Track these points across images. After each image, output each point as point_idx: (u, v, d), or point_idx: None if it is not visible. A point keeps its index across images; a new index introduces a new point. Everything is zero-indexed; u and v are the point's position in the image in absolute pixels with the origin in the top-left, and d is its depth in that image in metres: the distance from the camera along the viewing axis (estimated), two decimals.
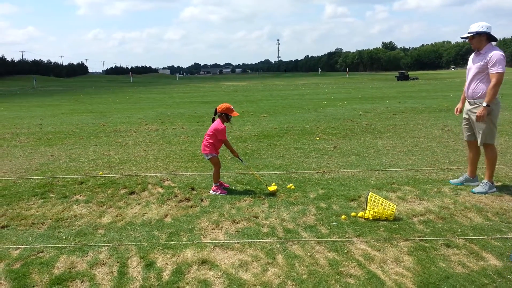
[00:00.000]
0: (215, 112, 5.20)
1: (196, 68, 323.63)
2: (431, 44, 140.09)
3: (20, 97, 34.51)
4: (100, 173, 6.30)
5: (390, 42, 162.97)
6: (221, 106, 5.15)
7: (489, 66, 4.57)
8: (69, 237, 3.92)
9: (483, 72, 4.65)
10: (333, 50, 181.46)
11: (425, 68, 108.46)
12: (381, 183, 5.37)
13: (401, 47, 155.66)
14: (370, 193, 4.20)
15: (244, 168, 6.24)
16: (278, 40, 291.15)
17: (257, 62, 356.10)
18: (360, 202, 4.61)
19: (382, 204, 4.05)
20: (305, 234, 3.82)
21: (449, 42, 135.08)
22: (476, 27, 4.66)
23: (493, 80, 4.52)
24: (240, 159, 5.41)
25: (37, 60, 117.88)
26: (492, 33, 4.64)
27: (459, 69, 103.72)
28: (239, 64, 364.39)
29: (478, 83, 4.72)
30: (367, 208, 4.09)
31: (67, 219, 4.40)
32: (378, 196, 4.12)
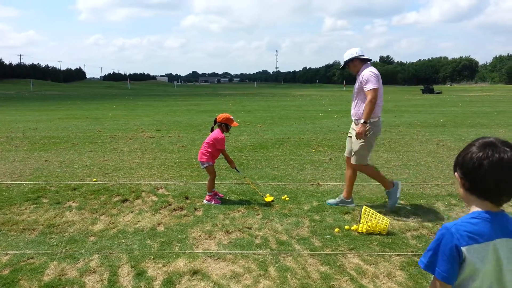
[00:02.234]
0: (215, 122, 5.22)
1: (194, 76, 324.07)
2: (428, 59, 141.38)
3: (17, 100, 34.41)
4: (94, 179, 6.27)
5: (388, 56, 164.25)
6: (221, 116, 5.17)
7: (363, 86, 4.66)
8: (60, 243, 3.88)
9: (361, 93, 4.74)
10: (331, 62, 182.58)
11: (421, 83, 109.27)
12: (375, 196, 5.38)
13: (398, 61, 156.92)
14: (364, 206, 4.20)
15: (239, 178, 6.23)
16: (276, 51, 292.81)
17: (255, 72, 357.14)
18: (354, 216, 4.61)
19: (375, 218, 4.05)
20: (298, 246, 3.81)
21: (445, 58, 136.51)
22: (347, 55, 4.84)
23: (368, 97, 4.58)
24: (236, 169, 5.43)
25: (35, 64, 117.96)
26: (363, 55, 4.78)
27: (455, 84, 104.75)
28: (237, 74, 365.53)
29: (359, 103, 4.79)
30: (361, 222, 4.09)
31: (59, 225, 4.36)
32: (372, 210, 4.13)
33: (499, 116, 17.35)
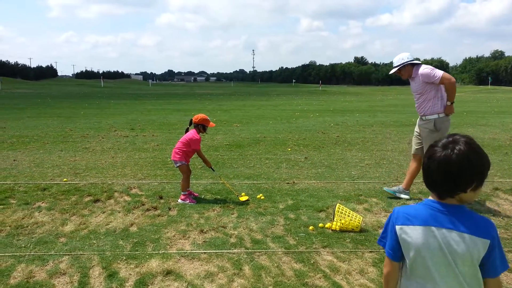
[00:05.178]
0: (190, 122, 5.17)
1: (170, 75, 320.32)
2: None
3: None
4: (65, 179, 6.11)
5: (362, 57, 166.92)
6: (198, 117, 5.13)
7: (432, 81, 4.84)
8: (28, 245, 3.76)
9: (424, 93, 4.96)
10: (307, 62, 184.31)
11: (394, 84, 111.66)
12: (349, 194, 5.45)
13: (372, 62, 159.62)
14: (338, 204, 4.25)
15: (214, 177, 6.20)
16: (253, 50, 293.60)
17: (231, 72, 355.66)
18: (328, 213, 4.65)
19: (349, 216, 4.10)
20: (273, 244, 3.82)
21: (417, 59, 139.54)
22: (399, 60, 5.06)
23: (445, 82, 4.80)
24: (212, 169, 5.40)
25: (3, 61, 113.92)
26: (412, 59, 5.04)
27: None
28: (213, 73, 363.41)
29: (423, 102, 5.02)
30: (335, 219, 4.14)
31: (27, 226, 4.23)
32: (345, 208, 4.18)
33: (468, 116, 17.90)
